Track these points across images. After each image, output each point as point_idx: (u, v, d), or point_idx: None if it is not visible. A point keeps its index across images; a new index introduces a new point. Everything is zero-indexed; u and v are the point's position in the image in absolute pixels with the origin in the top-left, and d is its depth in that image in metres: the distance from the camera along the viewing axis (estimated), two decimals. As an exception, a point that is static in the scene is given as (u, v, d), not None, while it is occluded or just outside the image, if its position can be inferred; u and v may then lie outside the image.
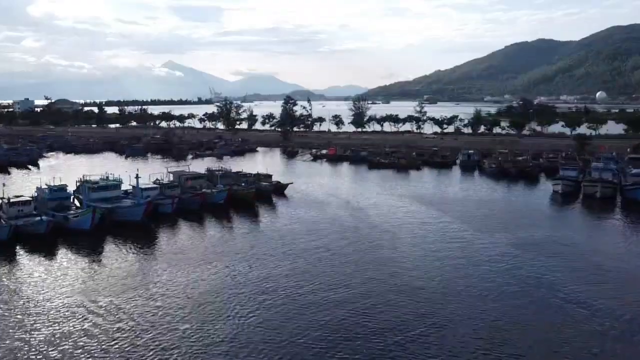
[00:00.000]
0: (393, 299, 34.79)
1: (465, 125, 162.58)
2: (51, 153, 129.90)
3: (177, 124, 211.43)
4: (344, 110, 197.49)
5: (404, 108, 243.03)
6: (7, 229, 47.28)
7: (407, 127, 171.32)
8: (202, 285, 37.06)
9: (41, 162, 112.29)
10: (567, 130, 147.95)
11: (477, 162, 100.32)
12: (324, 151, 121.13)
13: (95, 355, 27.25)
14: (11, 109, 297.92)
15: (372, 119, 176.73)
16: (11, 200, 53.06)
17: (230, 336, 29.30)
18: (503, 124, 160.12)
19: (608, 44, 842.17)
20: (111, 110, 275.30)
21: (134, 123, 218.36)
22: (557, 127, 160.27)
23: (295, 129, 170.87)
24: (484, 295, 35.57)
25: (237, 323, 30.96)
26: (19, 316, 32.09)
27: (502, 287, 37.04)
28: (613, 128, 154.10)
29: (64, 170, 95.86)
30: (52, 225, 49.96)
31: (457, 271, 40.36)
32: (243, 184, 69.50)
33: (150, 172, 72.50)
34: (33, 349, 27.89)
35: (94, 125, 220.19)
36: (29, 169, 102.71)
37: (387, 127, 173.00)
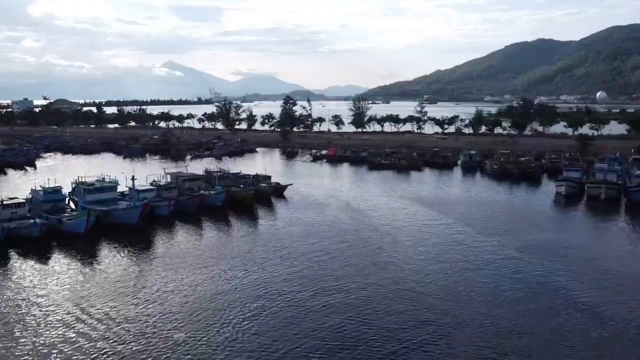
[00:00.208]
0: (395, 305, 33.84)
1: (466, 126, 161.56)
2: (49, 153, 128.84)
3: (176, 124, 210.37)
4: (344, 110, 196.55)
5: (404, 108, 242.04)
6: (-1, 232, 46.18)
7: (408, 127, 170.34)
8: (198, 291, 36.02)
9: (38, 163, 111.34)
10: (569, 131, 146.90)
11: (478, 162, 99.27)
12: (323, 152, 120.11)
13: (85, 364, 26.27)
14: (10, 109, 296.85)
15: (372, 119, 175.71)
16: (4, 202, 51.91)
17: (225, 344, 28.32)
18: (504, 124, 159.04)
19: (608, 44, 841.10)
20: (111, 110, 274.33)
21: (132, 123, 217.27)
22: (558, 128, 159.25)
23: (295, 129, 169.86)
24: (488, 300, 34.59)
25: (232, 330, 29.95)
26: (6, 322, 31.09)
27: (507, 292, 36.08)
28: (615, 128, 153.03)
29: (61, 171, 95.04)
30: (46, 228, 49.00)
31: (459, 275, 39.38)
32: (242, 186, 68.44)
33: (147, 173, 71.50)
34: (19, 358, 26.86)
35: (92, 126, 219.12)
36: (26, 170, 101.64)
37: (387, 127, 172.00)
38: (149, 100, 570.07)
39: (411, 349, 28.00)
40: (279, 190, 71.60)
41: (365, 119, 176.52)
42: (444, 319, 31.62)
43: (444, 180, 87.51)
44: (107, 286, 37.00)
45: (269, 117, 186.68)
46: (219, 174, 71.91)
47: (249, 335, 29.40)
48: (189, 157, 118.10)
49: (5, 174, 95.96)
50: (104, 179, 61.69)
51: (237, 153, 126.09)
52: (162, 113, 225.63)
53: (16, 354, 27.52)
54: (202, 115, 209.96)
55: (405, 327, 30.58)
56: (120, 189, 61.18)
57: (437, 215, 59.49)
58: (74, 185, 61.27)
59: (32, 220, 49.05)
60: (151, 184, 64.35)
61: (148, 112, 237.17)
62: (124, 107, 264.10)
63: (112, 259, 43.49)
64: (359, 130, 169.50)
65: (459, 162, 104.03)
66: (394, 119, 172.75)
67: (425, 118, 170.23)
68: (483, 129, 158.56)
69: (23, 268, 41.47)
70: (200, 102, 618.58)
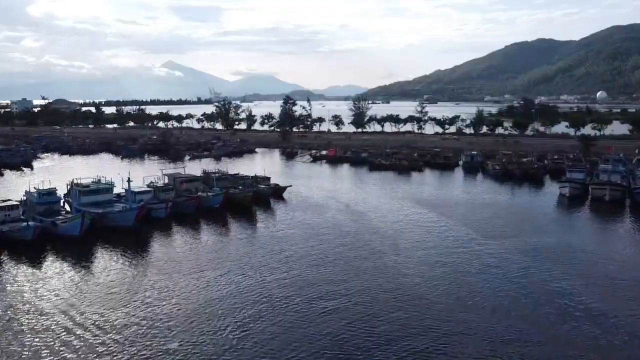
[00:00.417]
0: (396, 310, 32.84)
1: (467, 126, 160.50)
2: (46, 154, 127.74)
3: (175, 124, 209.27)
4: (344, 110, 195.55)
5: (404, 108, 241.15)
6: (-9, 235, 45.14)
7: (408, 127, 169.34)
8: (193, 297, 34.95)
9: (35, 163, 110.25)
10: (571, 131, 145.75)
11: (480, 163, 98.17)
12: (323, 152, 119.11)
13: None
14: (9, 109, 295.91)
15: (372, 119, 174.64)
16: (-2, 204, 50.81)
17: (220, 353, 27.29)
18: (506, 124, 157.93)
19: (608, 44, 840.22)
20: (110, 110, 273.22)
21: (131, 123, 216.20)
22: (560, 128, 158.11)
23: (294, 129, 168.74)
24: (492, 306, 33.57)
25: (228, 338, 28.92)
26: (-4, 331, 30.00)
27: (511, 297, 35.06)
28: (617, 128, 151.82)
29: (58, 171, 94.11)
30: (40, 231, 47.88)
31: (462, 279, 38.34)
32: (240, 187, 67.29)
33: (144, 174, 70.30)
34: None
35: (91, 126, 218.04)
36: (22, 171, 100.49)
37: (388, 127, 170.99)
38: (148, 100, 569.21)
39: (414, 357, 26.96)
40: (278, 192, 70.51)
41: (365, 119, 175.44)
42: (447, 325, 30.60)
43: (445, 181, 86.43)
44: (99, 292, 35.92)
45: (268, 117, 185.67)
46: (217, 175, 70.84)
47: (245, 343, 28.36)
48: (187, 157, 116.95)
49: (1, 175, 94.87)
50: (99, 180, 60.50)
51: (236, 153, 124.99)
52: (161, 113, 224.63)
53: (7, 357, 26.48)
54: (201, 115, 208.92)
55: (408, 333, 29.59)
56: (116, 190, 60.05)
57: (439, 217, 58.42)
58: (69, 187, 60.09)
59: (25, 223, 47.88)
60: (148, 186, 63.24)
61: (147, 112, 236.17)
62: (123, 107, 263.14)
63: (106, 264, 42.37)
64: (359, 130, 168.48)
65: (460, 162, 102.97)
66: (395, 119, 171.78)
67: (426, 118, 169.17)
68: (484, 129, 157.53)
69: (13, 273, 40.32)
70: (200, 102, 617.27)
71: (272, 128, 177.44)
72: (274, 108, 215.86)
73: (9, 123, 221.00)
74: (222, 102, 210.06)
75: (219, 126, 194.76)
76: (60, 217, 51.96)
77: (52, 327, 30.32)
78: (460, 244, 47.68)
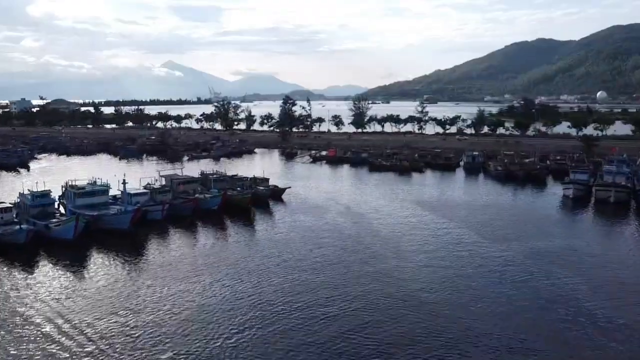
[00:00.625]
0: (398, 316, 31.83)
1: (468, 126, 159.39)
2: (43, 154, 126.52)
3: (174, 124, 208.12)
4: (344, 110, 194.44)
5: (404, 108, 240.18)
6: (-18, 239, 44.01)
7: (408, 127, 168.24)
8: (188, 303, 33.84)
9: (32, 164, 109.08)
10: (572, 131, 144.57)
11: (481, 164, 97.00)
12: (323, 152, 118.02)
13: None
14: (7, 109, 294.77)
15: (372, 119, 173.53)
16: (-10, 207, 49.68)
17: (216, 363, 26.16)
18: (507, 124, 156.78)
19: (608, 44, 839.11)
20: (109, 110, 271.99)
21: (130, 123, 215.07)
22: (561, 128, 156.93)
23: (294, 129, 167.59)
24: (497, 311, 32.56)
25: (223, 347, 27.88)
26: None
27: (517, 303, 34.00)
28: (620, 129, 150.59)
29: (54, 172, 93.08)
30: (32, 235, 46.75)
31: (465, 284, 37.27)
32: (238, 189, 66.17)
33: (142, 175, 69.25)
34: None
35: (89, 126, 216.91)
36: (19, 172, 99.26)
37: (388, 127, 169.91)
38: (148, 100, 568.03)
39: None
40: (277, 194, 69.39)
41: (365, 119, 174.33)
42: (451, 333, 29.55)
43: (446, 182, 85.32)
44: (89, 298, 34.77)
45: (267, 118, 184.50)
46: (215, 176, 69.71)
47: (240, 352, 27.28)
48: (186, 158, 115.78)
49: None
50: (95, 182, 59.38)
51: (235, 154, 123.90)
52: (160, 113, 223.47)
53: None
54: (200, 115, 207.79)
55: (410, 341, 28.57)
56: (113, 192, 58.92)
57: (440, 219, 57.34)
58: (63, 189, 58.94)
59: (17, 227, 46.71)
60: (145, 187, 62.13)
61: (146, 112, 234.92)
62: (122, 107, 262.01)
63: (98, 268, 41.23)
64: (359, 130, 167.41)
65: (462, 163, 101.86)
66: (395, 119, 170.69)
67: (426, 118, 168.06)
68: (485, 129, 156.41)
69: (4, 277, 39.18)
70: (199, 102, 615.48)
71: (271, 128, 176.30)
72: (274, 108, 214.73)
73: (7, 123, 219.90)
74: (221, 102, 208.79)
75: (218, 126, 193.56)
76: (54, 220, 50.77)
77: (37, 336, 29.27)
78: (462, 247, 46.59)
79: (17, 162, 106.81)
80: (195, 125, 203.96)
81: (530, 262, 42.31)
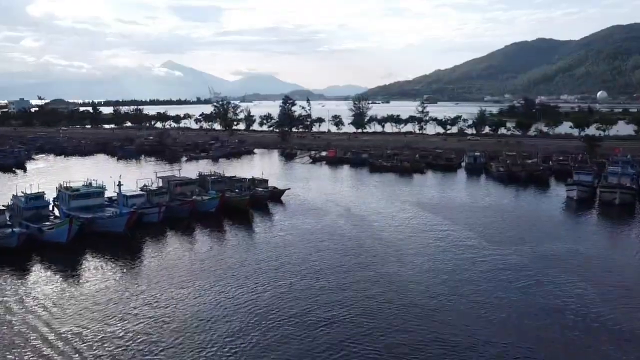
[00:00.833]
0: (399, 323, 30.79)
1: (469, 126, 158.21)
2: (41, 155, 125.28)
3: (173, 124, 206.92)
4: (344, 110, 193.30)
5: (405, 108, 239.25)
6: (-27, 243, 42.84)
7: (408, 127, 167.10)
8: (183, 309, 32.72)
9: (29, 165, 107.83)
10: (574, 131, 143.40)
11: (483, 164, 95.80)
12: (323, 153, 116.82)
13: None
14: (6, 109, 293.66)
15: (372, 119, 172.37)
16: (-19, 209, 48.51)
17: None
18: (509, 124, 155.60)
19: (608, 44, 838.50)
20: (108, 110, 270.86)
21: (129, 124, 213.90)
22: (563, 128, 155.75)
23: (294, 129, 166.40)
24: (501, 319, 31.44)
25: (218, 354, 26.84)
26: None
27: (521, 309, 32.92)
28: (622, 129, 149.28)
29: (51, 173, 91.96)
30: (25, 238, 45.52)
31: (468, 290, 36.16)
32: (237, 190, 64.99)
33: (139, 176, 68.10)
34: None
35: (88, 126, 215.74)
36: (15, 173, 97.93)
37: (388, 127, 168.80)
38: (148, 100, 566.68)
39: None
40: (276, 195, 68.21)
41: (365, 120, 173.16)
42: (454, 341, 28.49)
43: (448, 183, 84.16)
44: (81, 304, 33.64)
45: (267, 118, 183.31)
46: (213, 177, 68.51)
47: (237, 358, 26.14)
48: (184, 158, 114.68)
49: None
50: (90, 183, 58.18)
51: (234, 154, 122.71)
52: (159, 113, 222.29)
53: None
54: (199, 115, 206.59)
55: (412, 348, 27.59)
56: (109, 193, 57.74)
57: (442, 221, 56.20)
58: (58, 191, 57.72)
59: (9, 230, 45.50)
60: (141, 189, 60.96)
61: (145, 112, 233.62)
62: (120, 107, 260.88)
63: (91, 273, 40.05)
64: (359, 130, 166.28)
65: (463, 163, 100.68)
66: (395, 119, 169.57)
67: (427, 118, 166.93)
68: (486, 129, 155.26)
69: (-5, 283, 38.03)
70: (199, 102, 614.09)
71: (271, 128, 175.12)
72: (274, 108, 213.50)
73: (5, 123, 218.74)
74: (220, 102, 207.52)
75: (217, 126, 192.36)
76: (48, 223, 49.54)
77: (27, 342, 28.20)
78: (465, 250, 45.44)
79: (13, 163, 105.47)
80: (194, 126, 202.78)
81: (535, 266, 41.18)
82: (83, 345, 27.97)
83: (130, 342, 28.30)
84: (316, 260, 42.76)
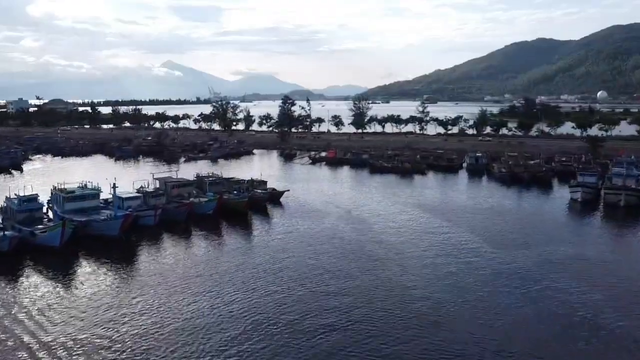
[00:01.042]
0: (401, 329, 29.83)
1: (470, 127, 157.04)
2: (38, 155, 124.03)
3: (172, 124, 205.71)
4: (344, 110, 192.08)
5: (405, 108, 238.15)
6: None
7: (409, 127, 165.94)
8: (178, 315, 31.65)
9: (25, 166, 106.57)
10: (576, 132, 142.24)
11: (485, 165, 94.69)
12: (323, 154, 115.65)
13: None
14: (4, 109, 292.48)
15: (373, 119, 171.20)
16: (-27, 212, 47.33)
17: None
18: (510, 124, 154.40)
19: (608, 44, 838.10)
20: (107, 110, 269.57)
21: (127, 124, 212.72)
22: (565, 128, 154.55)
23: (293, 129, 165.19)
24: (505, 326, 30.46)
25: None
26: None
27: (526, 316, 32.03)
28: (625, 129, 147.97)
29: (48, 174, 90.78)
30: (17, 242, 44.38)
31: (472, 295, 35.10)
32: (235, 192, 63.77)
33: (136, 177, 66.97)
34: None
35: (87, 126, 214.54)
36: (11, 174, 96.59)
37: (388, 127, 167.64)
38: (147, 100, 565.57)
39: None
40: (275, 197, 67.02)
41: (365, 120, 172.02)
42: (458, 347, 27.60)
43: (449, 184, 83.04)
44: (73, 310, 32.54)
45: (266, 118, 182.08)
46: (210, 179, 67.29)
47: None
48: (182, 159, 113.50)
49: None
50: (85, 185, 56.98)
51: (233, 155, 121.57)
52: (158, 113, 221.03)
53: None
54: (198, 115, 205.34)
55: (414, 357, 26.61)
56: (105, 195, 56.52)
57: (444, 224, 55.11)
58: (52, 192, 56.51)
59: (1, 234, 44.33)
60: (138, 190, 59.72)
61: (145, 112, 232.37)
62: (119, 107, 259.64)
63: (84, 278, 38.89)
64: (359, 131, 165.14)
65: (464, 164, 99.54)
66: (396, 120, 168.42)
67: (428, 118, 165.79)
68: (487, 129, 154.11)
69: (-16, 288, 36.87)
70: (199, 102, 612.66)
71: (270, 129, 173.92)
72: (274, 108, 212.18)
73: (2, 123, 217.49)
74: (219, 102, 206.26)
75: (216, 127, 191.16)
76: (41, 226, 48.33)
77: (16, 349, 27.18)
78: (467, 254, 44.33)
79: (9, 164, 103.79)
80: (194, 126, 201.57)
81: (540, 271, 40.09)
82: (74, 353, 26.93)
83: (122, 350, 27.24)
84: (315, 264, 41.67)
